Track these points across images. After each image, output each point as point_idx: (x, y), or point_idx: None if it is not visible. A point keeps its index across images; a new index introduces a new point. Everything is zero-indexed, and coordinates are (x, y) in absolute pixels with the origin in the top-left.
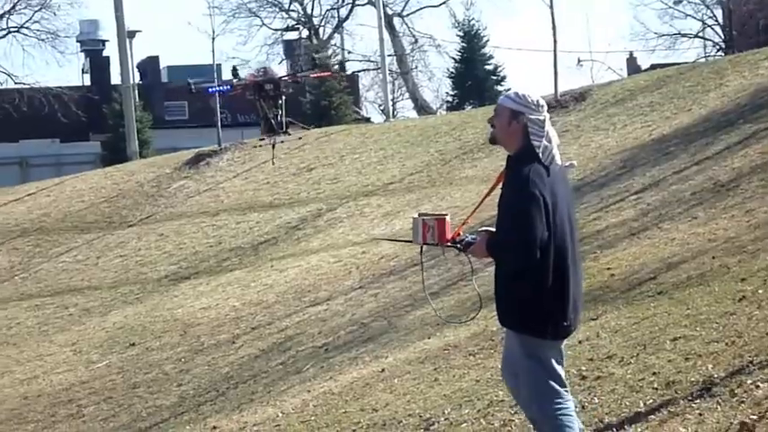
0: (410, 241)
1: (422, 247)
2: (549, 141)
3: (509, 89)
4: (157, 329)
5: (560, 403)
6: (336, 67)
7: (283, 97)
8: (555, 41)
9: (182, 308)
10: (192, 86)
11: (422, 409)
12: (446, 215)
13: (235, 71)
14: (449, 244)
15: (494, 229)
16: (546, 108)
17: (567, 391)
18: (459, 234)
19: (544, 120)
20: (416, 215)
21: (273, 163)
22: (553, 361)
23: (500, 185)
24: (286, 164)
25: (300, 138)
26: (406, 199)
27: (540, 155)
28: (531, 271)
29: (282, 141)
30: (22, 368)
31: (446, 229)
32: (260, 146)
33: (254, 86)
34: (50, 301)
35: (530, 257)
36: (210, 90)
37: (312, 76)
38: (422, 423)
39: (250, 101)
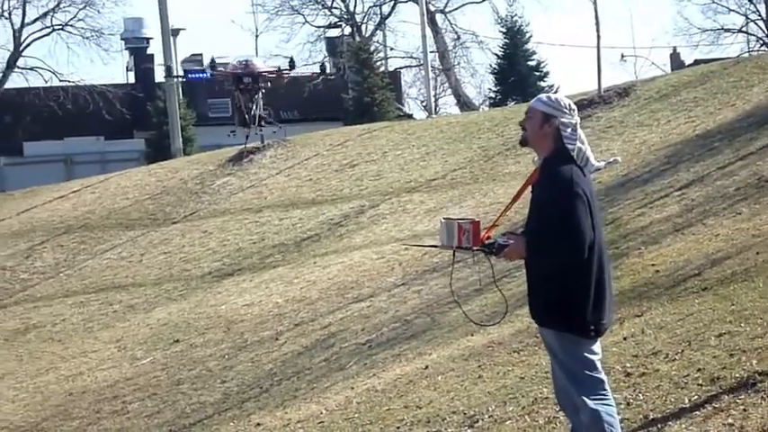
0: (436, 246)
1: (454, 251)
2: (583, 143)
3: (552, 85)
4: (201, 326)
5: (605, 394)
6: (325, 66)
7: (261, 92)
8: (598, 37)
9: (225, 304)
10: (171, 71)
11: (466, 407)
12: (478, 220)
13: (212, 62)
14: (482, 246)
15: (517, 233)
16: (577, 112)
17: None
18: (488, 237)
19: (576, 123)
20: (443, 219)
21: (244, 154)
22: (591, 354)
23: (529, 188)
24: (329, 160)
25: (275, 132)
26: (448, 195)
27: (575, 157)
28: (575, 270)
29: (258, 134)
30: (66, 365)
31: (480, 233)
32: (229, 135)
33: (232, 77)
34: (95, 297)
35: (578, 256)
36: (190, 76)
37: (293, 74)
38: (466, 420)
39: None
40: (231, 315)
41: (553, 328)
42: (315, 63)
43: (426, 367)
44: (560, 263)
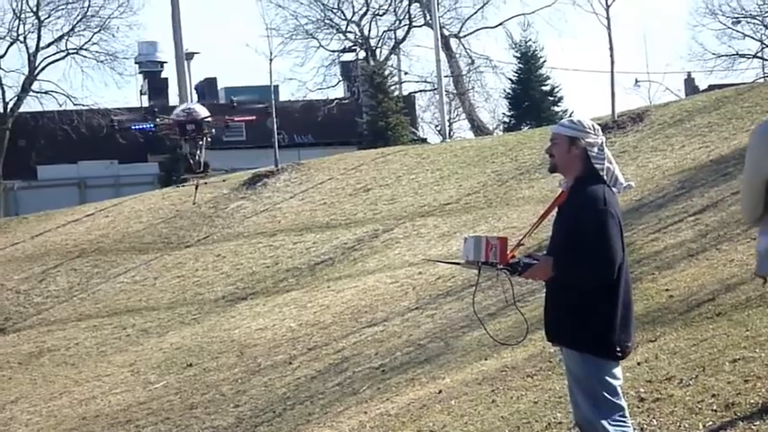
0: (459, 263)
1: (479, 267)
2: (611, 163)
3: (566, 110)
4: (214, 350)
5: (624, 422)
6: (263, 105)
7: (205, 139)
8: (612, 62)
9: (238, 329)
10: (116, 124)
11: (479, 431)
12: (506, 236)
13: (153, 112)
14: (506, 265)
15: (540, 255)
16: (601, 131)
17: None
18: (513, 256)
19: (602, 142)
20: (468, 236)
21: (194, 203)
22: (613, 378)
23: (555, 209)
24: (343, 184)
25: (224, 180)
26: (462, 219)
27: (605, 176)
28: (604, 290)
29: (206, 183)
30: (80, 388)
31: (507, 249)
32: (188, 184)
33: (177, 126)
34: (108, 321)
35: (609, 275)
36: (133, 127)
37: (237, 119)
38: None
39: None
40: (244, 339)
41: (578, 349)
42: (329, 87)
43: (440, 391)
44: (591, 282)
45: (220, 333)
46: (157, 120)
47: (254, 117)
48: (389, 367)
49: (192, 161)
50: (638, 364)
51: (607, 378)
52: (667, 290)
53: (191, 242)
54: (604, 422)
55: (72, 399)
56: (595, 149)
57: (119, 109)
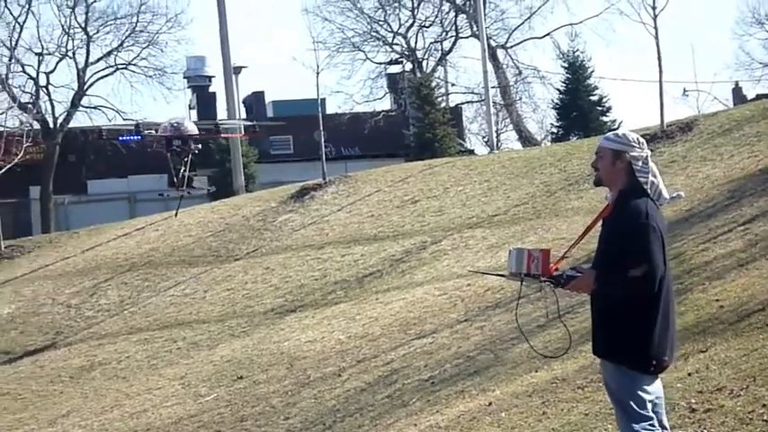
0: (503, 275)
1: (522, 279)
2: (655, 177)
3: (614, 120)
4: (264, 363)
5: (653, 428)
6: (251, 124)
7: (190, 155)
8: (660, 72)
9: (288, 341)
10: (103, 133)
11: None
12: (548, 248)
13: (138, 127)
14: (549, 277)
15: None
16: (646, 144)
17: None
18: (557, 269)
19: (646, 156)
20: (512, 248)
21: (176, 215)
22: (645, 393)
23: (600, 222)
24: (390, 196)
25: (208, 190)
26: (510, 231)
27: (648, 190)
28: (643, 303)
29: (189, 194)
30: (131, 402)
31: (549, 261)
32: (161, 195)
33: (163, 140)
34: (159, 334)
35: (650, 289)
36: (120, 139)
37: (224, 135)
38: None
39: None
40: (294, 351)
41: (612, 360)
42: (376, 100)
43: (490, 404)
44: (631, 295)
45: (270, 345)
46: (144, 132)
47: (241, 134)
48: (439, 379)
49: (175, 177)
50: (689, 374)
51: (638, 392)
52: (717, 300)
53: (240, 255)
54: (634, 425)
55: (123, 412)
56: (640, 163)
57: None
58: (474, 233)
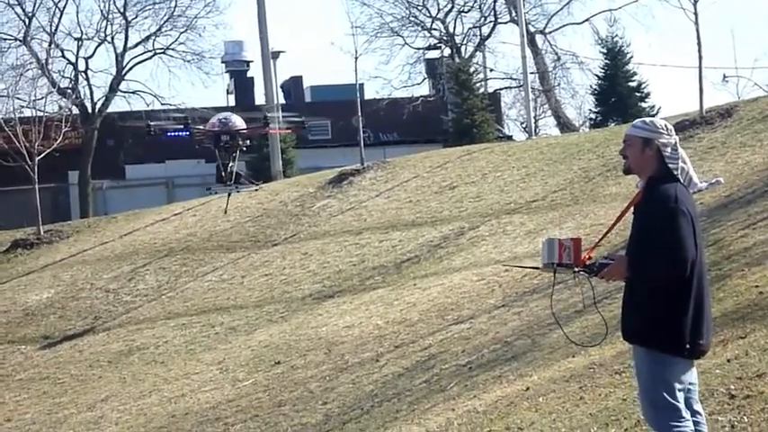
0: (537, 268)
1: (555, 270)
2: (685, 163)
3: (653, 106)
4: (302, 348)
5: (679, 425)
6: (300, 120)
7: (238, 150)
8: (700, 57)
9: (326, 326)
10: (151, 128)
11: (567, 428)
12: (579, 237)
13: (186, 120)
14: (582, 266)
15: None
16: (674, 131)
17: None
18: (590, 258)
19: (675, 142)
20: (545, 238)
21: (226, 212)
22: (678, 382)
23: (631, 210)
24: (428, 182)
25: (257, 189)
26: (549, 217)
27: (679, 176)
28: (675, 288)
29: (238, 191)
30: (169, 386)
31: (581, 250)
32: (208, 190)
33: (212, 135)
34: (197, 319)
35: (681, 272)
36: (168, 135)
37: (272, 131)
38: None
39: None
40: (332, 337)
41: (646, 345)
42: (414, 85)
43: (527, 389)
44: (663, 279)
45: (308, 331)
46: (192, 129)
47: (289, 129)
48: (476, 364)
49: (224, 173)
50: (728, 361)
51: (670, 378)
52: (757, 286)
53: (278, 240)
54: (661, 420)
55: (161, 397)
56: (669, 149)
57: (205, 108)
58: (512, 219)
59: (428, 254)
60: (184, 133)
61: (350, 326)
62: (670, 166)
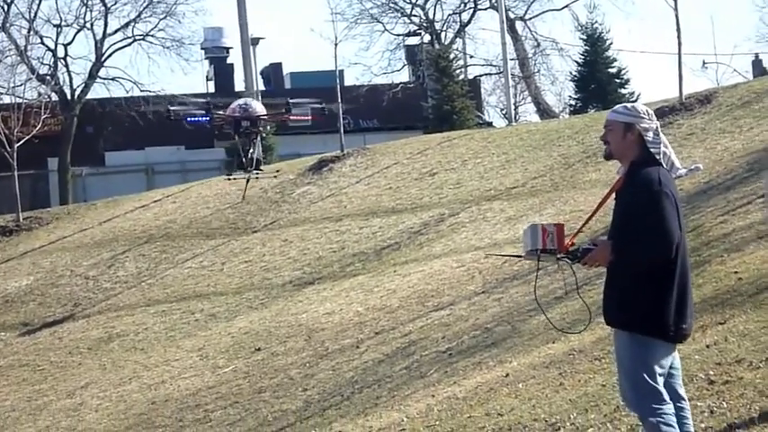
0: (520, 256)
1: (539, 256)
2: (667, 147)
3: (633, 92)
4: (282, 334)
5: (661, 407)
6: (320, 106)
7: (260, 135)
8: (679, 44)
9: (306, 313)
10: (171, 114)
11: (547, 414)
12: (562, 223)
13: (207, 105)
14: (565, 252)
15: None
16: (654, 116)
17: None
18: (572, 244)
19: (656, 127)
20: (528, 225)
21: (243, 198)
22: (659, 366)
23: (613, 195)
24: (408, 169)
25: (275, 176)
26: (528, 203)
27: (661, 160)
28: (660, 271)
29: (257, 178)
30: (149, 373)
31: (564, 236)
32: (228, 180)
33: (232, 121)
34: (177, 306)
35: (665, 255)
36: (189, 120)
37: (292, 118)
38: (547, 428)
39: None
40: (312, 323)
41: (628, 329)
42: (394, 72)
43: (507, 375)
44: (647, 262)
45: (288, 317)
46: (213, 114)
47: (309, 117)
48: (456, 351)
49: (244, 158)
50: (708, 346)
51: (651, 362)
52: (736, 272)
53: (258, 227)
54: (643, 414)
55: (141, 384)
56: (651, 134)
57: (185, 95)
58: (492, 205)
59: (408, 240)
60: (205, 119)
61: (330, 312)
62: (652, 150)
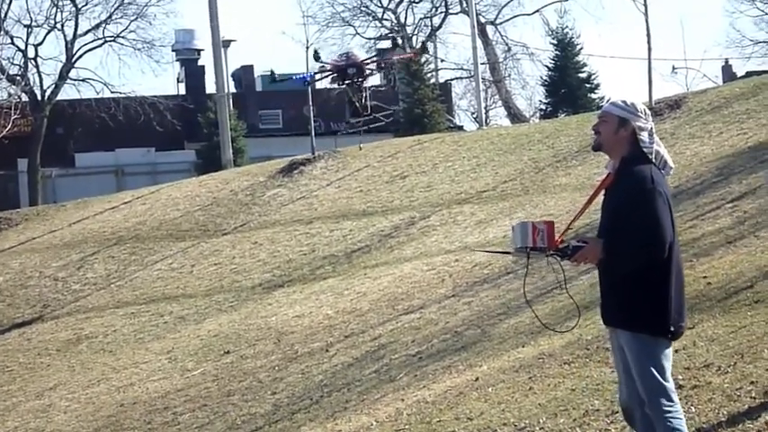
0: (508, 252)
1: (528, 253)
2: (659, 146)
3: (603, 97)
4: (251, 337)
5: (673, 404)
6: (419, 46)
7: (368, 80)
8: (649, 49)
9: (275, 316)
10: (276, 75)
11: (516, 419)
12: (553, 221)
13: (316, 54)
14: (555, 249)
15: (590, 237)
16: (651, 116)
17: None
18: (561, 241)
19: (651, 127)
20: (516, 222)
21: (360, 148)
22: (667, 361)
23: (602, 192)
24: (379, 172)
25: (385, 121)
26: (499, 207)
27: (653, 159)
28: (657, 270)
29: (367, 128)
30: (118, 375)
31: (554, 233)
32: (357, 129)
33: (337, 71)
34: (146, 308)
35: (659, 253)
36: (294, 78)
37: (395, 58)
38: None
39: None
40: (281, 326)
41: (633, 329)
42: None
43: (477, 379)
44: (641, 261)
45: (257, 320)
46: (318, 65)
47: (411, 54)
48: (426, 354)
49: (358, 104)
50: (676, 351)
51: (661, 360)
52: (705, 277)
53: (228, 230)
54: (657, 412)
55: (110, 386)
56: (645, 134)
57: (155, 96)
58: (462, 209)
59: (379, 243)
60: (307, 76)
61: (300, 315)
62: (645, 150)
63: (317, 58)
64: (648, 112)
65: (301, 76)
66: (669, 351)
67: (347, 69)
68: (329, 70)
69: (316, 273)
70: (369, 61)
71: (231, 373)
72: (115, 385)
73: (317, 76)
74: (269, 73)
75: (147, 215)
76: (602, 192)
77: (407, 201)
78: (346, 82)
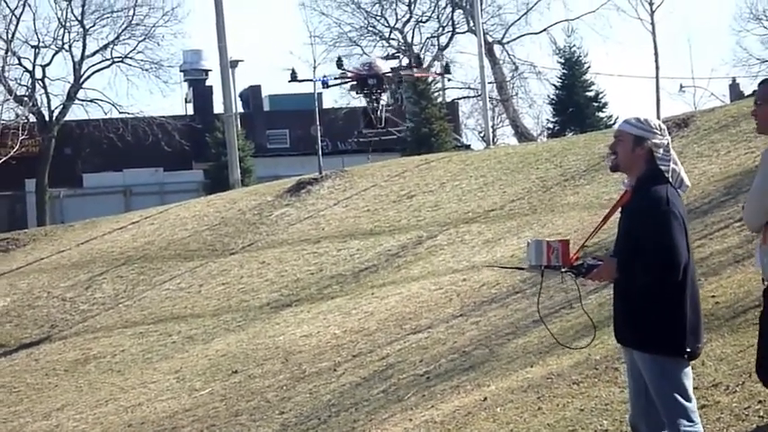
0: (522, 268)
1: (542, 271)
2: (676, 164)
3: (611, 116)
4: (259, 357)
5: (693, 425)
6: (437, 68)
7: (386, 93)
8: (657, 68)
9: (283, 335)
10: (297, 76)
11: None
12: (568, 239)
13: (339, 61)
14: (570, 267)
15: (605, 256)
16: (667, 131)
17: None
18: (577, 258)
19: (668, 143)
20: (530, 240)
21: (369, 158)
22: (687, 380)
23: (618, 210)
24: (386, 191)
25: (397, 136)
26: (506, 226)
27: (669, 177)
28: (673, 291)
29: (380, 139)
30: (126, 395)
31: (569, 252)
32: (369, 139)
33: (357, 80)
34: (154, 328)
35: (673, 275)
36: (315, 80)
37: (417, 74)
38: None
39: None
40: (289, 346)
41: (649, 351)
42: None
43: (485, 399)
44: (654, 283)
45: (265, 340)
46: (339, 72)
47: (429, 73)
48: (434, 374)
49: (372, 116)
50: None
51: (679, 378)
52: (713, 296)
53: (235, 249)
54: (677, 425)
55: (118, 406)
56: (661, 151)
57: (163, 117)
58: (470, 228)
59: (386, 263)
60: (328, 78)
61: (307, 335)
62: (661, 167)
63: (339, 65)
64: (664, 126)
65: (322, 78)
66: (688, 369)
67: (368, 79)
68: (350, 78)
69: (323, 292)
70: (391, 74)
71: (239, 393)
72: (123, 405)
73: (337, 81)
74: (290, 71)
75: (155, 235)
76: (619, 209)
77: (415, 220)
78: (365, 91)
